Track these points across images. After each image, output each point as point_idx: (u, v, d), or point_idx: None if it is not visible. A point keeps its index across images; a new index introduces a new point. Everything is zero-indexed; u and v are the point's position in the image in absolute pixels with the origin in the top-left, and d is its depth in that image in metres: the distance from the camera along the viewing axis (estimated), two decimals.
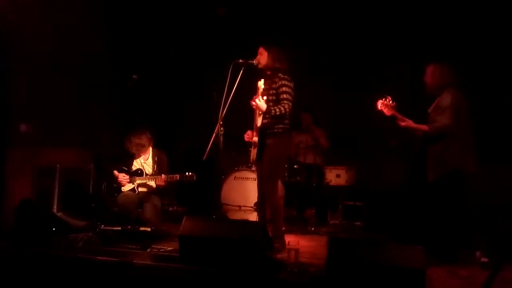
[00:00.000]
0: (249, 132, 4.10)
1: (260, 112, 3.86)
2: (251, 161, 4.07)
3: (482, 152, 3.82)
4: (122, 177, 4.63)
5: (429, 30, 5.26)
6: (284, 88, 3.89)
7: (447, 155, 3.74)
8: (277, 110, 3.82)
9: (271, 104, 3.85)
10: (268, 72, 4.00)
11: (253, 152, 3.98)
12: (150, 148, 4.80)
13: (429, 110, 3.93)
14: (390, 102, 3.87)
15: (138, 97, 5.61)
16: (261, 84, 3.87)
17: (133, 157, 4.77)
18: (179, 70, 6.44)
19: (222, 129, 3.87)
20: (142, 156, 4.78)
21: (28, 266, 3.33)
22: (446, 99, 3.78)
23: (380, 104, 3.89)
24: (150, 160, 4.76)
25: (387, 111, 3.87)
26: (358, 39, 5.77)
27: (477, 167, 3.76)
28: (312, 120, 5.83)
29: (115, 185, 4.65)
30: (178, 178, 4.49)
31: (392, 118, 3.89)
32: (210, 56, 6.09)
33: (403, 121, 3.86)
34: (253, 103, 3.82)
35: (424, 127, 3.82)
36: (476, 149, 3.79)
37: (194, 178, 4.45)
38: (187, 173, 4.46)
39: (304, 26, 5.83)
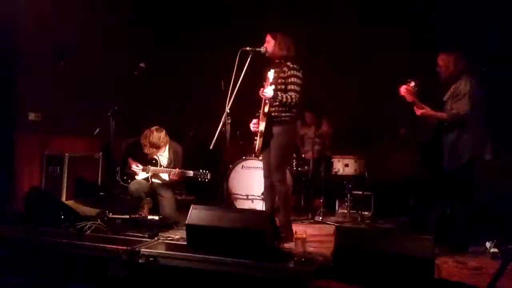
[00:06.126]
0: (255, 120, 4.07)
1: (267, 101, 3.83)
2: (255, 151, 4.04)
3: (495, 141, 3.76)
4: (135, 166, 4.64)
5: (442, 17, 5.17)
6: (292, 79, 3.86)
7: (465, 143, 3.67)
8: (284, 97, 3.79)
9: (278, 92, 3.82)
10: (277, 60, 3.96)
11: (258, 142, 3.95)
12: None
13: (444, 98, 3.83)
14: (413, 88, 3.71)
15: (145, 85, 5.60)
16: (270, 74, 3.83)
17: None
18: (187, 58, 6.41)
19: (229, 118, 3.84)
20: None
21: (36, 253, 3.35)
22: (464, 86, 3.69)
23: (403, 90, 3.74)
24: (166, 153, 4.73)
25: (409, 97, 3.72)
26: (363, 26, 5.70)
27: (492, 154, 3.70)
28: (316, 120, 5.63)
29: (129, 171, 4.67)
30: (191, 175, 4.47)
31: (410, 105, 3.75)
32: (218, 43, 6.04)
33: (422, 108, 3.75)
34: (263, 94, 3.79)
35: (442, 114, 3.74)
36: (491, 136, 3.73)
37: (208, 177, 4.42)
38: (201, 171, 4.44)
39: (313, 13, 5.77)
